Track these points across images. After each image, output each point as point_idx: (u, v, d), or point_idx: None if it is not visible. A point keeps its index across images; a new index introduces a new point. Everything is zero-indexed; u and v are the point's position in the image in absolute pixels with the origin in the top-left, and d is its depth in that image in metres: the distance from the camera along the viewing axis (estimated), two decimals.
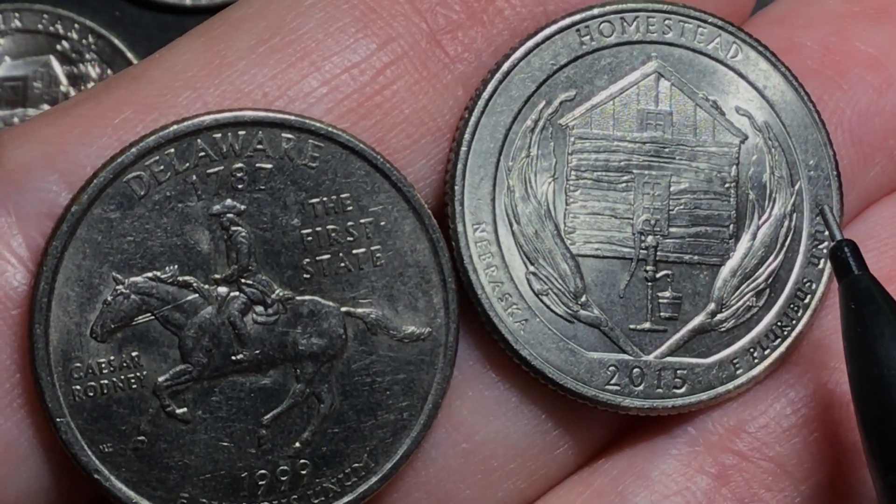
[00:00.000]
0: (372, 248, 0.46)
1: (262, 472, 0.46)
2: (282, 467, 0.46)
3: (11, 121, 0.71)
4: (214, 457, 0.46)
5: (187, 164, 0.45)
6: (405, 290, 0.47)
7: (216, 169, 0.45)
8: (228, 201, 0.46)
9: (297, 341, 0.46)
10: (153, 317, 0.45)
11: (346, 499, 0.47)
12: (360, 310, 0.46)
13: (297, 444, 0.46)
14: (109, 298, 0.45)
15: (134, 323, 0.45)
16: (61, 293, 0.44)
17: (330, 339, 0.46)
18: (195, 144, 0.45)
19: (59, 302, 0.44)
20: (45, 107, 0.71)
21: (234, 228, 0.46)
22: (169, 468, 0.45)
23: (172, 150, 0.45)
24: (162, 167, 0.45)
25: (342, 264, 0.46)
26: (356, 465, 0.47)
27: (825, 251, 0.48)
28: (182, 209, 0.45)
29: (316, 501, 0.46)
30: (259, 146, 0.46)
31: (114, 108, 0.46)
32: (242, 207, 0.46)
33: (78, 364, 0.45)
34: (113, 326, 0.45)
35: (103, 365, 0.45)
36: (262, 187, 0.46)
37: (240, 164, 0.46)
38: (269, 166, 0.46)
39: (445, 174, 0.48)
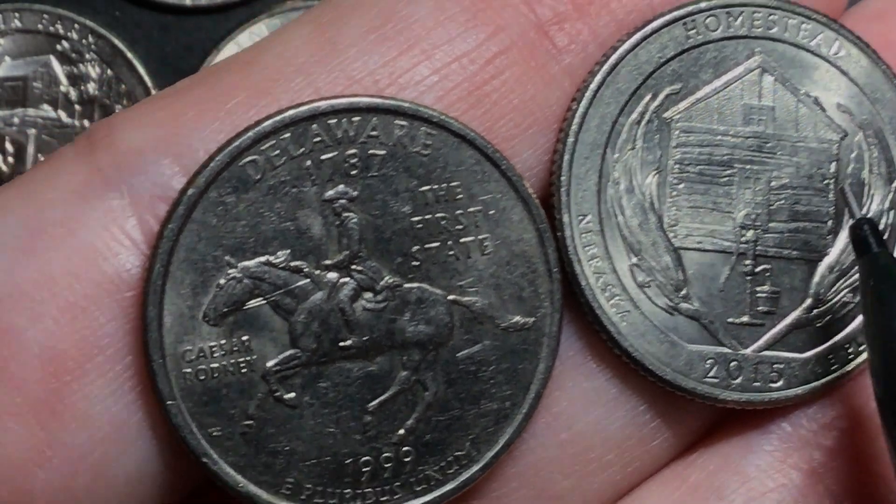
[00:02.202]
0: (480, 236, 0.47)
1: (367, 458, 0.46)
2: (385, 454, 0.46)
3: (11, 121, 0.71)
4: (320, 443, 0.46)
5: (302, 150, 0.45)
6: (511, 279, 0.47)
7: (330, 154, 0.45)
8: (341, 187, 0.46)
9: (405, 328, 0.46)
10: (264, 301, 0.45)
11: (448, 487, 0.47)
12: (466, 298, 0.47)
13: (402, 432, 0.46)
14: (222, 282, 0.45)
15: (245, 307, 0.45)
16: (175, 276, 0.44)
17: (437, 326, 0.46)
18: (310, 130, 0.45)
19: (173, 285, 0.44)
20: (45, 107, 0.71)
21: (345, 214, 0.46)
22: (276, 453, 0.45)
23: (288, 134, 0.45)
24: (277, 151, 0.45)
25: (450, 252, 0.46)
26: (458, 453, 0.47)
27: None
28: (296, 194, 0.45)
29: (418, 489, 0.47)
30: (373, 132, 0.46)
31: (226, 92, 0.46)
32: (355, 193, 0.46)
33: (189, 347, 0.45)
34: (225, 310, 0.45)
35: (214, 348, 0.45)
36: (375, 174, 0.46)
37: (353, 150, 0.46)
38: (383, 153, 0.46)
39: (552, 165, 0.48)
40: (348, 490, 0.46)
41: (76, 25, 0.71)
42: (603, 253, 0.48)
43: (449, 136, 0.46)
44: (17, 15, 0.71)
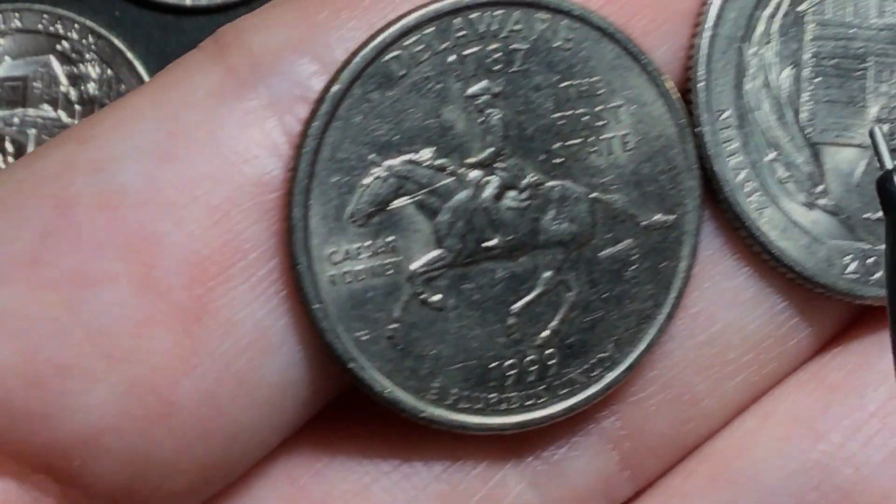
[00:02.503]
0: (621, 133, 0.46)
1: (511, 361, 0.45)
2: (530, 357, 0.45)
3: (11, 121, 0.70)
4: (465, 346, 0.45)
5: (446, 44, 0.44)
6: (652, 176, 0.46)
7: (473, 50, 0.44)
8: (485, 83, 0.44)
9: (548, 227, 0.45)
10: (409, 201, 0.44)
11: (592, 390, 0.46)
12: (607, 196, 0.45)
13: (546, 334, 0.45)
14: (367, 181, 0.44)
15: (390, 207, 0.44)
16: (320, 176, 0.43)
17: (579, 224, 0.45)
18: (454, 24, 0.44)
19: (318, 185, 0.43)
20: (45, 107, 0.70)
21: (489, 111, 0.44)
22: (422, 357, 0.44)
23: (432, 29, 0.44)
24: (421, 47, 0.44)
25: (592, 149, 0.45)
26: (602, 355, 0.46)
27: None
28: (440, 90, 0.44)
29: (562, 392, 0.46)
30: (515, 27, 0.44)
31: None
32: (498, 89, 0.45)
33: (335, 249, 0.43)
34: (371, 210, 0.44)
35: (360, 250, 0.44)
36: (517, 69, 0.45)
37: (496, 45, 0.44)
38: (525, 48, 0.45)
39: (688, 60, 0.47)
40: (493, 394, 0.45)
41: (76, 25, 0.70)
42: (742, 148, 0.47)
43: (590, 30, 0.45)
44: (17, 15, 0.70)
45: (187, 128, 0.43)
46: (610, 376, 0.46)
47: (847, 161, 0.48)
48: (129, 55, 0.70)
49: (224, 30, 0.45)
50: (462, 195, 0.45)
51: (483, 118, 0.45)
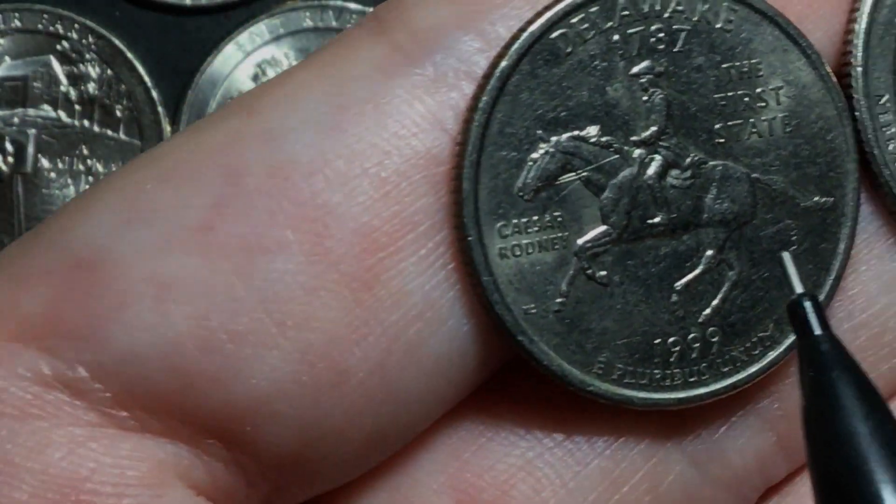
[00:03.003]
0: (781, 115, 0.43)
1: (675, 338, 0.42)
2: (693, 335, 0.42)
3: (11, 121, 0.67)
4: (630, 322, 0.42)
5: (610, 23, 0.42)
6: (810, 158, 0.43)
7: (637, 29, 0.42)
8: (648, 62, 0.42)
9: (711, 206, 0.42)
10: (576, 177, 0.41)
11: (754, 368, 0.43)
12: (767, 176, 0.43)
13: (708, 311, 0.42)
14: (535, 156, 0.41)
15: (557, 183, 0.41)
16: (489, 150, 0.41)
17: (741, 204, 0.42)
18: (618, 3, 0.42)
19: (487, 159, 0.41)
20: (45, 107, 0.67)
21: (652, 90, 0.42)
22: (588, 332, 0.41)
23: (596, 8, 0.41)
24: (587, 25, 0.41)
25: (753, 130, 0.43)
26: (762, 334, 0.43)
27: None
28: (605, 68, 0.41)
29: (724, 370, 0.43)
30: (678, 7, 0.42)
31: None
32: (661, 69, 0.42)
33: (504, 223, 0.41)
34: (539, 185, 0.41)
35: (529, 224, 0.41)
36: (680, 49, 0.42)
37: (659, 25, 0.42)
38: (687, 28, 0.42)
39: (845, 46, 0.44)
40: (657, 371, 0.42)
41: (76, 25, 0.67)
42: None
43: (750, 12, 0.43)
44: (17, 15, 0.67)
45: (354, 101, 0.41)
46: (771, 355, 0.43)
47: None
48: (129, 55, 0.67)
49: (384, 6, 0.42)
50: (627, 172, 0.42)
51: (647, 97, 0.42)
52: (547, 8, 0.41)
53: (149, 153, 0.42)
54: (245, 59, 0.69)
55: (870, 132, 0.44)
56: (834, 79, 0.43)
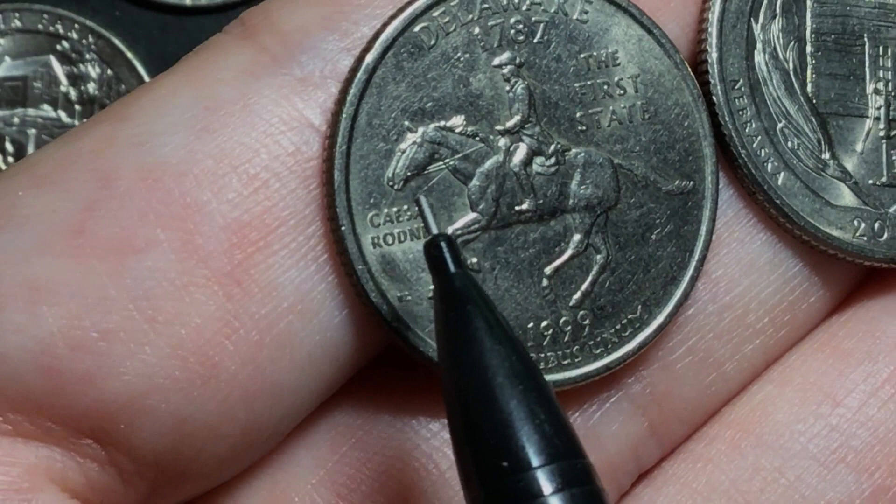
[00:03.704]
0: (639, 102, 0.39)
1: (547, 322, 0.39)
2: (564, 318, 0.39)
3: (11, 121, 0.61)
4: (503, 307, 0.38)
5: (471, 16, 0.38)
6: (669, 143, 0.40)
7: (497, 21, 0.38)
8: (508, 53, 0.38)
9: (576, 191, 0.39)
10: (444, 166, 0.38)
11: (624, 349, 0.40)
12: (629, 162, 0.39)
13: (578, 295, 0.39)
14: (403, 146, 0.37)
15: (426, 172, 0.38)
16: (358, 142, 0.37)
17: (604, 189, 0.39)
18: None
19: (357, 150, 0.37)
20: (45, 107, 0.62)
21: (514, 80, 0.38)
22: None
23: (457, 1, 0.38)
24: (448, 18, 0.38)
25: (613, 117, 0.39)
26: (631, 316, 0.39)
27: None
28: (468, 60, 0.38)
29: (596, 352, 0.39)
30: (535, 0, 0.38)
31: None
32: (522, 60, 0.38)
33: (375, 212, 0.37)
34: (408, 175, 0.37)
35: (399, 213, 0.37)
36: (539, 41, 0.39)
37: (518, 17, 0.38)
38: (545, 20, 0.39)
39: (698, 35, 0.41)
40: (531, 354, 0.39)
41: (76, 25, 0.62)
42: (755, 116, 0.41)
43: (605, 3, 0.39)
44: (17, 15, 0.62)
45: (223, 102, 0.37)
46: (640, 336, 0.40)
47: (851, 130, 0.42)
48: (129, 55, 0.62)
49: (249, 12, 0.39)
50: (493, 161, 0.38)
51: (509, 87, 0.38)
52: (409, 2, 0.38)
53: (23, 160, 0.38)
54: None
55: (726, 116, 0.41)
56: (688, 66, 0.40)
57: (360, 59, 0.37)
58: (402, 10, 0.38)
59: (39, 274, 0.35)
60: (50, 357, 0.35)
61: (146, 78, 0.62)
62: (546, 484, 0.31)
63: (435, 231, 0.34)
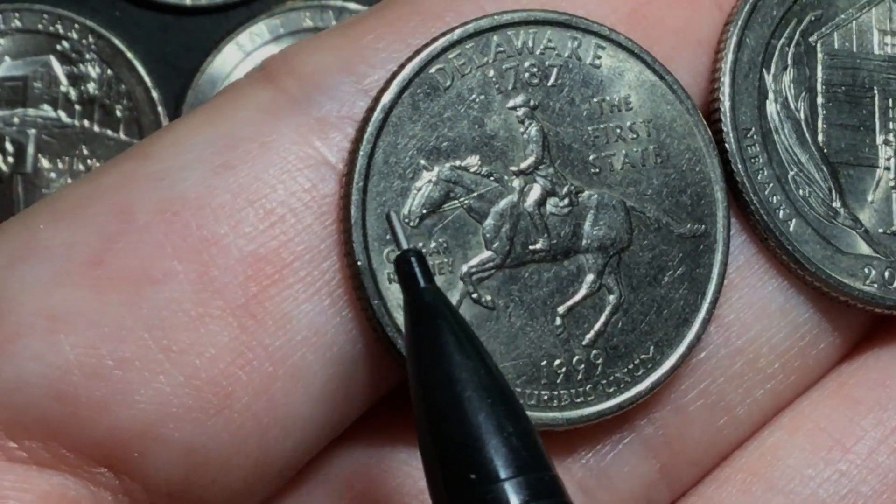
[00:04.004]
0: (651, 146, 0.38)
1: (560, 360, 0.37)
2: (577, 357, 0.37)
3: (11, 121, 0.59)
4: (516, 344, 0.37)
5: (486, 59, 0.37)
6: (681, 187, 0.39)
7: (511, 64, 0.37)
8: (523, 96, 0.37)
9: (589, 232, 0.38)
10: (458, 205, 0.36)
11: (637, 389, 0.38)
12: (641, 205, 0.38)
13: (591, 335, 0.38)
14: (419, 184, 0.36)
15: (442, 210, 0.36)
16: (374, 179, 0.36)
17: (617, 231, 0.38)
18: (492, 40, 0.37)
19: (373, 187, 0.36)
20: (45, 107, 0.60)
21: (528, 122, 0.37)
22: None
23: (472, 44, 0.37)
24: (463, 61, 0.37)
25: (626, 160, 0.38)
26: (644, 356, 0.38)
27: None
28: (482, 101, 0.37)
29: (609, 391, 0.38)
30: (549, 44, 0.38)
31: (401, 18, 0.38)
32: (536, 102, 0.37)
33: (391, 248, 0.36)
34: (423, 212, 0.36)
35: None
36: (553, 84, 0.38)
37: (532, 61, 0.38)
38: (559, 64, 0.38)
39: (712, 84, 0.40)
40: (545, 392, 0.37)
41: (76, 25, 0.60)
42: (766, 164, 0.40)
43: (618, 49, 0.38)
44: (17, 15, 0.59)
45: (241, 140, 0.36)
46: (653, 377, 0.38)
47: (861, 180, 0.41)
48: (129, 55, 0.60)
49: (269, 60, 0.38)
50: (507, 200, 0.37)
51: (523, 129, 0.37)
52: (426, 45, 0.37)
53: (45, 197, 0.38)
54: (245, 59, 0.61)
55: (738, 163, 0.39)
56: (699, 113, 0.39)
57: (377, 99, 0.36)
58: (418, 52, 0.37)
59: (58, 303, 0.34)
60: (66, 384, 0.34)
61: (146, 78, 0.60)
62: (513, 496, 0.30)
63: (405, 246, 0.33)
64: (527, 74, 0.38)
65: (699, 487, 0.40)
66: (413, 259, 0.33)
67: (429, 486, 0.32)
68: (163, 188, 0.36)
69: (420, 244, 0.36)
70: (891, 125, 0.41)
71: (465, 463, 0.31)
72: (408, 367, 0.32)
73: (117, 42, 0.60)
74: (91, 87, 0.60)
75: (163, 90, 0.60)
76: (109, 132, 0.60)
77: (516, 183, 0.38)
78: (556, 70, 0.38)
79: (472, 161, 0.37)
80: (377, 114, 0.36)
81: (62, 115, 0.60)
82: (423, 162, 0.37)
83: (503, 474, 0.30)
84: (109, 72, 0.60)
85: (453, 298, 0.36)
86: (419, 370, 0.32)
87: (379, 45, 0.37)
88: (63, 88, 0.60)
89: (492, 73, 0.37)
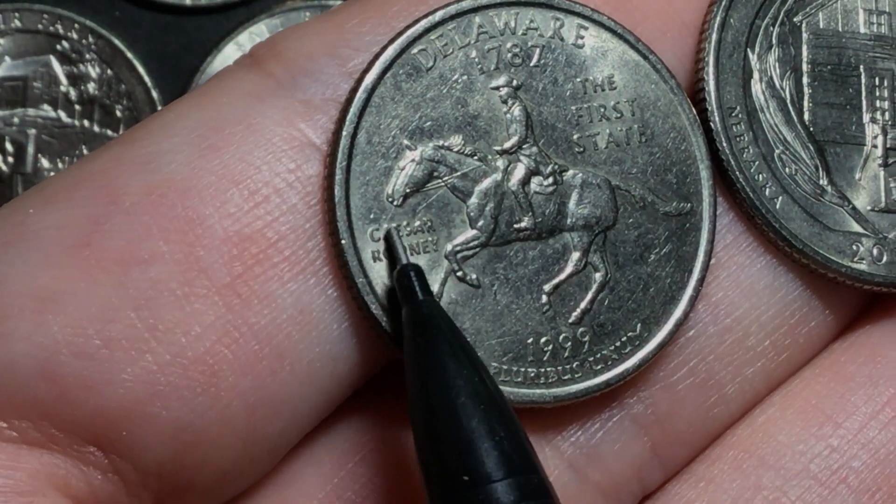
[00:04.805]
0: (636, 125, 0.39)
1: (546, 338, 0.38)
2: (564, 334, 0.38)
3: (11, 121, 0.59)
4: (502, 322, 0.37)
5: (468, 40, 0.38)
6: (667, 166, 0.39)
7: (494, 45, 0.38)
8: (506, 76, 0.38)
9: (574, 210, 0.38)
10: (442, 184, 0.37)
11: (624, 366, 0.38)
12: (626, 183, 0.38)
13: (577, 312, 0.38)
14: (402, 164, 0.37)
15: (426, 189, 0.37)
16: (358, 159, 0.36)
17: (602, 209, 0.38)
18: (474, 21, 0.38)
19: (357, 166, 0.36)
20: (45, 107, 0.60)
21: (511, 102, 0.38)
22: (462, 331, 0.36)
23: (454, 25, 0.37)
24: (446, 42, 0.37)
25: (610, 139, 0.38)
26: (630, 334, 0.38)
27: None
28: (466, 81, 0.37)
29: (597, 368, 0.38)
30: (531, 25, 0.38)
31: (385, 3, 0.39)
32: (519, 82, 0.38)
33: (375, 227, 0.36)
34: (407, 191, 0.37)
35: (399, 228, 0.36)
36: (536, 64, 0.38)
37: (515, 42, 0.38)
38: (541, 44, 0.38)
39: (696, 63, 0.40)
40: (532, 369, 0.37)
41: (76, 25, 0.60)
42: (752, 142, 0.40)
43: (601, 29, 0.39)
44: (17, 15, 0.59)
45: (227, 123, 0.37)
46: (640, 354, 0.38)
47: (849, 157, 0.41)
48: (129, 55, 0.60)
49: (256, 46, 0.39)
50: (491, 179, 0.38)
51: (506, 109, 0.38)
52: (408, 26, 0.37)
53: (37, 184, 0.38)
54: None
55: (724, 142, 0.40)
56: (684, 92, 0.39)
57: (359, 80, 0.37)
58: (400, 33, 0.37)
59: (46, 285, 0.35)
60: (54, 364, 0.34)
61: (146, 78, 0.60)
62: (504, 496, 0.32)
63: (405, 261, 0.35)
64: (509, 55, 0.38)
65: (691, 466, 0.40)
66: (412, 273, 0.35)
67: (424, 486, 0.33)
68: (149, 171, 0.36)
69: (404, 222, 0.37)
70: (877, 103, 0.41)
71: (458, 465, 0.33)
72: (406, 375, 0.34)
73: (117, 42, 0.60)
74: (91, 87, 0.60)
75: (163, 90, 0.61)
76: (109, 132, 0.61)
77: (500, 162, 0.38)
78: (538, 50, 0.38)
79: (456, 141, 0.37)
80: (360, 94, 0.37)
81: (62, 115, 0.60)
82: (406, 142, 0.37)
83: (495, 476, 0.32)
84: (109, 72, 0.60)
85: (438, 276, 0.37)
86: (416, 377, 0.34)
87: (363, 28, 0.38)
88: (63, 88, 0.60)
89: (474, 53, 0.38)
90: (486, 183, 0.38)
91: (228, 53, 0.61)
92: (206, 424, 0.35)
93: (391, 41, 0.37)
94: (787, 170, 0.40)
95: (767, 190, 0.40)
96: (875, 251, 0.40)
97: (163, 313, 0.35)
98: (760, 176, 0.40)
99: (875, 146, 0.41)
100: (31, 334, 0.34)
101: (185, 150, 0.36)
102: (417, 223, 0.37)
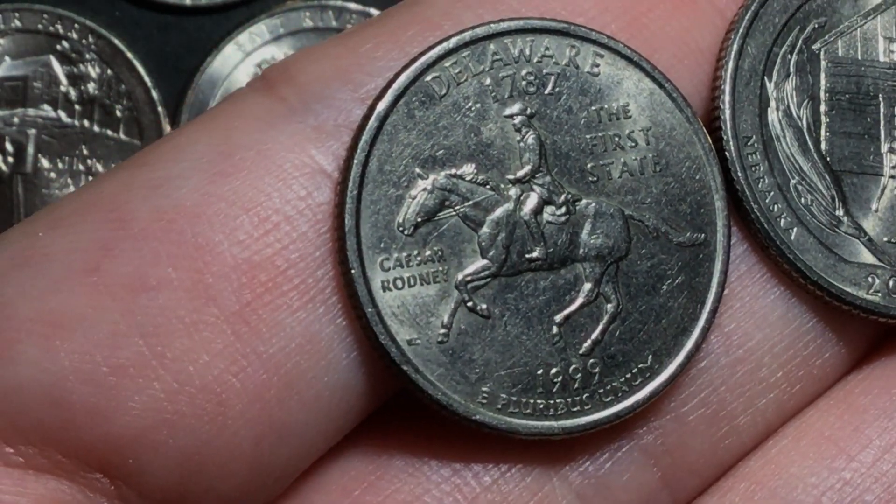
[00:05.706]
0: (650, 154, 0.38)
1: (556, 369, 0.37)
2: (574, 366, 0.38)
3: (11, 121, 0.60)
4: (512, 353, 0.37)
5: (482, 67, 0.37)
6: (681, 195, 0.39)
7: (508, 73, 0.38)
8: (520, 104, 0.37)
9: (586, 241, 0.38)
10: (454, 213, 0.37)
11: (635, 398, 0.38)
12: (640, 213, 0.38)
13: (588, 343, 0.38)
14: (414, 193, 0.36)
15: (437, 218, 0.37)
16: (369, 187, 0.36)
17: (614, 239, 0.38)
18: (489, 48, 0.38)
19: (368, 195, 0.36)
20: (45, 107, 0.60)
21: (525, 130, 0.37)
22: (471, 362, 0.37)
23: (468, 52, 0.37)
24: (459, 69, 0.37)
25: (624, 168, 0.38)
26: (642, 365, 0.38)
27: None
28: (479, 109, 0.37)
29: (606, 400, 0.38)
30: (547, 52, 0.38)
31: (400, 27, 0.38)
32: (532, 111, 0.38)
33: (385, 256, 0.36)
34: (418, 220, 0.37)
35: (410, 258, 0.36)
36: (551, 92, 0.38)
37: (529, 69, 0.38)
38: (556, 72, 0.38)
39: (713, 91, 0.40)
40: (541, 400, 0.37)
41: (76, 25, 0.60)
42: (768, 172, 0.40)
43: (617, 57, 0.38)
44: (17, 15, 0.60)
45: (238, 148, 0.37)
46: (651, 386, 0.38)
47: (865, 188, 0.41)
48: (129, 55, 0.60)
49: (269, 69, 0.39)
50: (503, 209, 0.38)
51: (520, 137, 0.38)
52: (422, 53, 0.37)
53: (48, 205, 0.38)
54: (245, 59, 0.61)
55: (738, 171, 0.39)
56: (699, 121, 0.39)
57: (372, 107, 0.37)
58: (413, 60, 0.37)
59: (54, 310, 0.35)
60: (61, 390, 0.34)
61: (146, 78, 0.60)
62: None
63: None
64: (524, 82, 0.38)
65: (702, 498, 0.40)
66: None
67: None
68: (159, 196, 0.36)
69: (415, 252, 0.37)
70: (895, 133, 0.41)
71: None
72: None
73: (117, 42, 0.60)
74: (91, 87, 0.60)
75: (163, 90, 0.61)
76: (109, 132, 0.60)
77: (513, 191, 0.38)
78: (553, 78, 0.38)
79: (468, 169, 0.37)
80: (372, 122, 0.37)
81: (62, 115, 0.60)
82: (418, 170, 0.37)
83: None
84: (109, 72, 0.60)
85: (448, 306, 0.37)
86: None
87: (376, 53, 0.38)
88: (63, 88, 0.60)
89: (488, 81, 0.38)
90: (498, 212, 0.37)
91: (228, 53, 0.61)
92: (212, 452, 0.35)
93: (404, 68, 0.37)
94: (802, 200, 0.40)
95: (782, 221, 0.40)
96: (891, 283, 0.40)
97: (171, 341, 0.35)
98: (776, 206, 0.40)
99: (892, 176, 0.41)
100: (38, 359, 0.34)
101: (196, 176, 0.36)
102: (428, 253, 0.37)
